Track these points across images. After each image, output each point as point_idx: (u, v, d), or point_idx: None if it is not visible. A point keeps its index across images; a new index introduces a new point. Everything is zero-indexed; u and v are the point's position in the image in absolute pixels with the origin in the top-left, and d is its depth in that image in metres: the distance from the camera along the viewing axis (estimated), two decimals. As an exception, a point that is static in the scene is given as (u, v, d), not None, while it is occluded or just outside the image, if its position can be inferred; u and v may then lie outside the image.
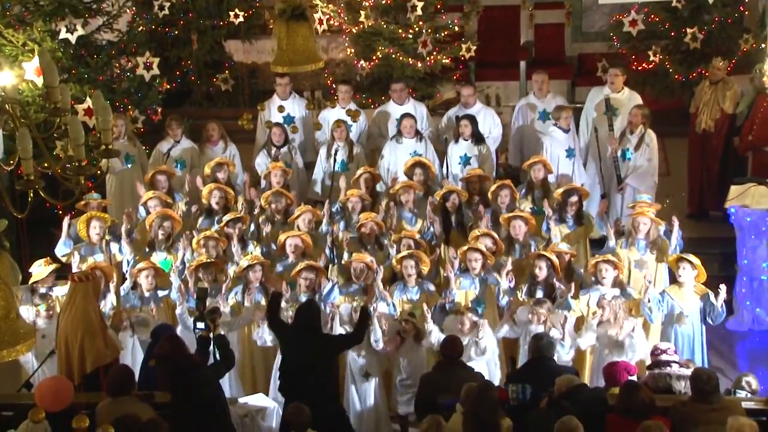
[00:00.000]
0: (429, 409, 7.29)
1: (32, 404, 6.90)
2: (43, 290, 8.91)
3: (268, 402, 8.17)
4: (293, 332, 8.06)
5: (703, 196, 11.81)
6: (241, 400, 8.14)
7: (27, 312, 8.56)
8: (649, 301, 8.60)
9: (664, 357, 7.76)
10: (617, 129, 10.98)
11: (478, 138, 10.96)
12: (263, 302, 8.79)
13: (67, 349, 7.80)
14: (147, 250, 9.72)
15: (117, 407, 7.05)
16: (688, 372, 7.48)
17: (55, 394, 6.97)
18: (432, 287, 9.01)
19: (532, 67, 14.00)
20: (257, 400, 8.19)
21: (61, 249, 9.80)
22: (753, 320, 10.39)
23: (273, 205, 10.04)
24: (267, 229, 9.85)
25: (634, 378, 7.63)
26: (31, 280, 8.86)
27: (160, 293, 9.02)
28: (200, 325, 7.74)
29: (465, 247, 9.01)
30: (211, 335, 7.71)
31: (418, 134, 11.06)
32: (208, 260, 9.09)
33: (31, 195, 4.73)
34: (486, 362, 8.34)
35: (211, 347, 7.72)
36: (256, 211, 10.30)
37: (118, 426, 6.48)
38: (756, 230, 10.24)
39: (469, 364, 7.96)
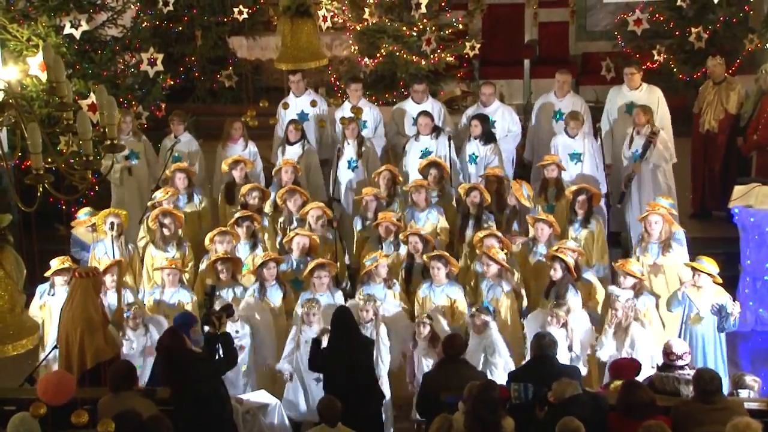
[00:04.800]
0: (431, 407, 7.29)
1: (34, 398, 6.92)
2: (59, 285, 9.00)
3: (270, 399, 8.15)
4: (335, 345, 7.97)
5: (706, 196, 11.79)
6: (243, 396, 8.14)
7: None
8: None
9: (678, 362, 7.62)
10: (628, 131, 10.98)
11: (487, 138, 10.90)
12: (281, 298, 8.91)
13: (68, 345, 7.81)
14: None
15: (118, 402, 7.06)
16: (697, 377, 7.43)
17: (57, 388, 6.98)
18: (458, 290, 8.96)
19: (537, 66, 14.03)
20: (259, 396, 8.18)
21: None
22: (756, 320, 10.38)
23: (288, 203, 10.02)
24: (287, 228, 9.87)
25: (639, 377, 7.63)
26: (47, 273, 8.90)
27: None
28: (206, 324, 7.72)
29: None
30: (218, 333, 7.69)
31: (434, 131, 11.00)
32: (226, 255, 9.07)
33: (40, 189, 4.73)
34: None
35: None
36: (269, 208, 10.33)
37: (118, 421, 6.50)
38: (759, 230, 10.23)
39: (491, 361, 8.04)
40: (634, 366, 7.77)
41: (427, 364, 8.30)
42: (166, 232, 9.62)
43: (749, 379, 7.63)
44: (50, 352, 8.47)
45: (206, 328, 7.74)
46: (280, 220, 10.16)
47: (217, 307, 8.11)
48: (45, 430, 6.83)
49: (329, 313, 8.31)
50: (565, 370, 7.58)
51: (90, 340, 7.72)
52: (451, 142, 10.98)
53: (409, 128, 11.46)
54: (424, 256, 9.04)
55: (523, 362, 8.13)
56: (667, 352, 7.72)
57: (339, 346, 7.88)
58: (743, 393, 7.54)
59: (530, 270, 9.45)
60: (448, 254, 9.00)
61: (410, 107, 11.61)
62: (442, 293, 8.87)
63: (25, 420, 6.72)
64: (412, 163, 10.88)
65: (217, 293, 8.77)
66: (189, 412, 7.26)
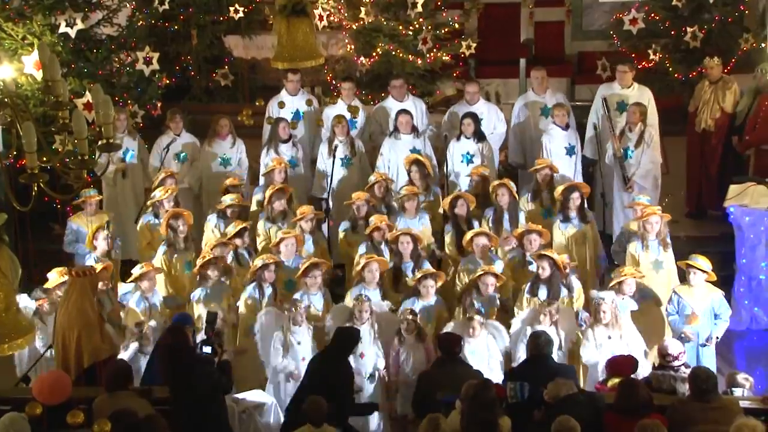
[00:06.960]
0: (428, 406, 7.28)
1: (29, 398, 6.91)
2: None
3: (266, 398, 8.15)
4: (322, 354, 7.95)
5: (702, 195, 11.80)
6: (239, 395, 8.12)
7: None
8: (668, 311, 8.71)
9: (674, 363, 7.63)
10: (620, 127, 10.95)
11: (480, 136, 10.88)
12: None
13: (64, 345, 7.80)
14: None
15: (114, 402, 7.05)
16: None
17: (53, 387, 6.97)
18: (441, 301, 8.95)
19: (532, 65, 14.01)
20: (255, 395, 8.18)
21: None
22: (751, 319, 10.41)
23: (275, 203, 9.96)
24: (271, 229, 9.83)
25: (635, 375, 7.63)
26: (45, 285, 8.81)
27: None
28: (207, 349, 7.62)
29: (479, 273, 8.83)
30: (216, 359, 7.61)
31: (415, 130, 10.98)
32: (215, 257, 8.99)
33: (35, 188, 4.72)
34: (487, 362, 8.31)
35: None
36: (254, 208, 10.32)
37: (114, 420, 6.49)
38: (755, 229, 10.25)
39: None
40: (631, 363, 7.76)
41: (409, 360, 8.29)
42: (181, 234, 9.56)
43: (741, 377, 7.67)
44: (45, 352, 8.44)
45: (204, 355, 7.61)
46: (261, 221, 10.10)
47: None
48: (41, 430, 6.82)
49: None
50: (560, 369, 7.59)
51: (88, 340, 7.71)
52: (427, 140, 11.02)
53: (392, 127, 11.33)
54: (410, 278, 9.01)
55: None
56: (663, 353, 7.73)
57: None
58: (737, 391, 7.57)
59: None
60: (434, 270, 8.98)
61: (392, 105, 11.52)
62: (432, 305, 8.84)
63: (15, 420, 6.69)
64: (400, 161, 10.79)
65: (218, 327, 8.37)
66: (187, 411, 7.24)
